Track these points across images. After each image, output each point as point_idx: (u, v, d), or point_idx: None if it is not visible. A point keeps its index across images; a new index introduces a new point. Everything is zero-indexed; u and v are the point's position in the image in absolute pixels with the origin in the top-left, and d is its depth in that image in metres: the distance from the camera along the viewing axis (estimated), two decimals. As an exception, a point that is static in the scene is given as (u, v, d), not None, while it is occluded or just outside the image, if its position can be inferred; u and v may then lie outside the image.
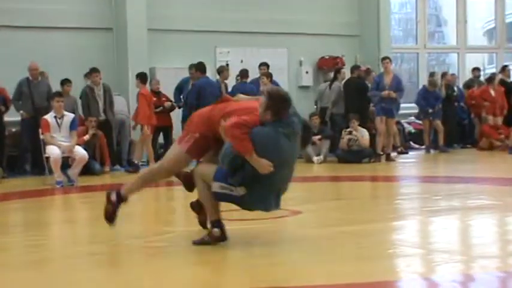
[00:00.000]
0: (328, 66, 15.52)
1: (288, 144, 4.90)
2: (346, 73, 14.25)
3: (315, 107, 14.76)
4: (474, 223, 6.28)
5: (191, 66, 12.86)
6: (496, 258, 4.63)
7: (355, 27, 16.16)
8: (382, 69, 13.46)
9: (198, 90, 12.14)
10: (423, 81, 16.16)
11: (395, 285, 4.23)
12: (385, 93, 12.72)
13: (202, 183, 5.12)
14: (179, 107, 13.09)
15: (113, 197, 5.43)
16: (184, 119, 12.99)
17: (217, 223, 5.10)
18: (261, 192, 4.95)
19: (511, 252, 4.58)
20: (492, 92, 15.06)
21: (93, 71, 12.23)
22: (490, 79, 15.44)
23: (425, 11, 17.73)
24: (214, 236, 5.09)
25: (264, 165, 4.77)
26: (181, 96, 13.07)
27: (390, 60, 13.25)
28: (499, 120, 15.05)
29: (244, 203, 5.03)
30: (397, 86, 12.90)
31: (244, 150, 4.78)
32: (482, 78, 16.69)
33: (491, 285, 4.07)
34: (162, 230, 6.20)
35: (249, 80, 13.33)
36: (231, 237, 5.19)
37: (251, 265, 4.72)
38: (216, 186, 4.95)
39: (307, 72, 15.59)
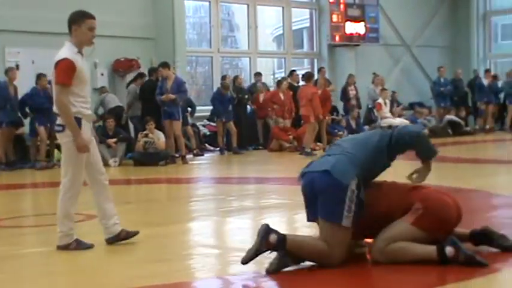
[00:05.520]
0: (123, 68, 15.43)
1: None
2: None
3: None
4: (266, 222, 6.57)
5: None
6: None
7: (151, 29, 16.20)
8: (177, 72, 13.65)
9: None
10: (217, 84, 16.59)
11: (193, 285, 4.35)
12: (164, 96, 12.93)
13: None
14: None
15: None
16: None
17: None
18: None
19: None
20: (281, 96, 15.80)
21: None
22: (279, 83, 16.18)
23: (219, 16, 18.19)
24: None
25: None
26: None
27: (168, 66, 13.43)
28: (288, 122, 15.84)
29: None
30: (178, 88, 13.13)
31: None
32: (270, 82, 17.44)
33: (281, 280, 4.31)
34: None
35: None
36: (25, 245, 5.02)
37: (47, 272, 4.62)
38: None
39: (102, 74, 15.37)
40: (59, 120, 5.22)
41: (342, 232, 4.30)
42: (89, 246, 5.22)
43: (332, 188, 4.31)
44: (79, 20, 5.23)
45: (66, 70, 5.11)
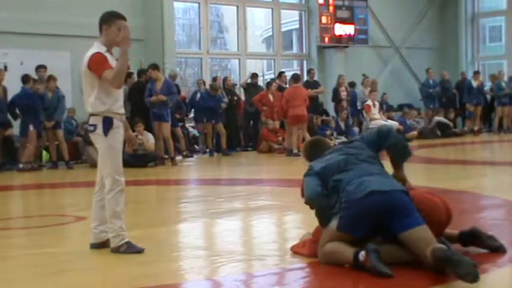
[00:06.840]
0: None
1: None
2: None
3: None
4: (255, 223, 6.58)
5: None
6: (275, 256, 4.90)
7: (140, 31, 16.13)
8: (166, 75, 13.63)
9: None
10: (207, 85, 16.57)
11: (182, 287, 4.35)
12: (153, 98, 12.93)
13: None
14: None
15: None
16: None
17: None
18: None
19: (288, 250, 4.88)
20: (271, 97, 15.81)
21: None
22: (268, 85, 16.20)
23: (208, 17, 18.19)
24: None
25: None
26: None
27: (158, 68, 13.43)
28: (277, 124, 15.85)
29: None
30: (168, 90, 13.12)
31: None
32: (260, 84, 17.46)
33: (270, 282, 4.32)
34: None
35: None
36: (13, 247, 5.00)
37: (37, 274, 4.61)
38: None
39: (91, 75, 15.31)
40: (91, 120, 5.17)
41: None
42: (140, 250, 5.10)
43: (412, 204, 4.36)
44: (110, 20, 5.24)
45: (100, 61, 5.04)
